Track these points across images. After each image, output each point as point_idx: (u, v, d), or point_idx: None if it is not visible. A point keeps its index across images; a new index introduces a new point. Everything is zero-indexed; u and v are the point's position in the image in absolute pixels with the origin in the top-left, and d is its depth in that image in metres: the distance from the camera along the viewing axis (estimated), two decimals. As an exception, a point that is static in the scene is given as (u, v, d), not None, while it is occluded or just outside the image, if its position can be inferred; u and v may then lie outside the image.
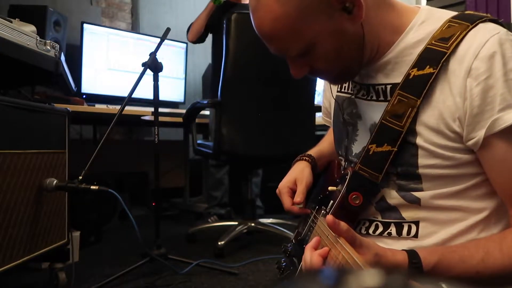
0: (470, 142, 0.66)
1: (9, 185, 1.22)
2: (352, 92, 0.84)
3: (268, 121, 2.05)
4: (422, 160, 0.70)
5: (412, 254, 0.65)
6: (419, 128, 0.70)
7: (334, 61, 0.71)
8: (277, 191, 0.95)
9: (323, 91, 1.06)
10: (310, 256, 0.66)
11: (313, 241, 0.70)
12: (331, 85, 0.91)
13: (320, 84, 2.32)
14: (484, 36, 0.65)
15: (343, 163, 0.89)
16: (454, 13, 0.72)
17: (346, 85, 0.87)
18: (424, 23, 0.72)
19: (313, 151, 1.02)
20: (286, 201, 0.91)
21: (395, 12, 0.73)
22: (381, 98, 0.76)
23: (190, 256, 1.85)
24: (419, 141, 0.70)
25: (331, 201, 0.78)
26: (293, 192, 0.93)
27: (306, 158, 0.99)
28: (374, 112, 0.77)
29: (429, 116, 0.69)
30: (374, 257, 0.62)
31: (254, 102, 2.04)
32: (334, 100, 0.91)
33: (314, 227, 0.81)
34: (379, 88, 0.76)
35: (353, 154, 0.83)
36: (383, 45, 0.73)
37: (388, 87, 0.74)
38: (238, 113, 2.04)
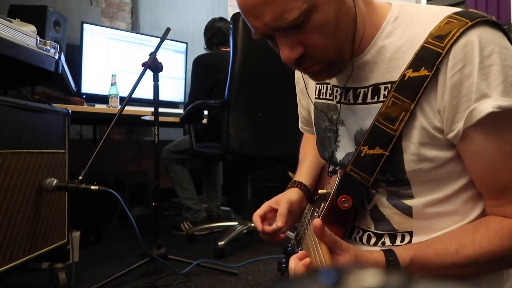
0: (450, 135, 0.66)
1: (9, 185, 1.22)
2: (331, 98, 0.82)
3: (275, 120, 2.06)
4: (409, 165, 0.69)
5: (388, 252, 0.66)
6: (408, 132, 0.68)
7: (332, 34, 0.65)
8: (253, 216, 0.91)
9: (298, 101, 1.02)
10: (295, 265, 0.68)
11: (299, 254, 0.71)
12: (309, 92, 0.89)
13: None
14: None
15: (330, 168, 0.88)
16: (425, 6, 0.71)
17: (324, 91, 0.85)
18: (397, 19, 0.71)
19: (302, 177, 0.97)
20: (258, 226, 0.88)
21: (372, 8, 0.72)
22: (368, 100, 0.73)
23: (190, 256, 1.86)
24: (405, 144, 0.69)
25: (322, 204, 0.78)
26: (274, 211, 0.90)
27: (296, 184, 0.95)
28: (357, 116, 0.75)
29: (420, 121, 0.67)
30: (354, 258, 0.64)
31: (262, 102, 2.04)
32: (313, 107, 0.89)
33: (308, 228, 0.81)
34: (361, 91, 0.74)
35: (338, 161, 0.82)
36: (364, 39, 0.71)
37: (370, 89, 0.73)
38: (245, 113, 2.03)
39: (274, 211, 0.90)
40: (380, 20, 0.72)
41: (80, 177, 1.37)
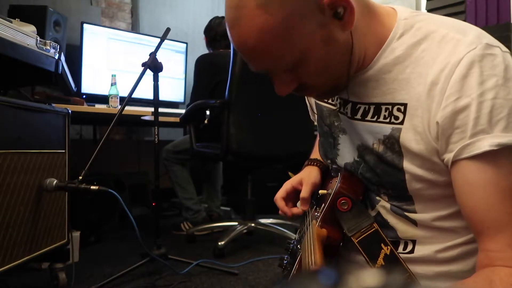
0: (445, 160, 0.64)
1: (9, 185, 1.22)
2: (333, 103, 0.81)
3: (275, 120, 2.05)
4: (410, 184, 0.68)
5: None
6: (405, 153, 0.67)
7: (324, 74, 0.65)
8: (275, 198, 0.92)
9: (306, 99, 1.01)
10: None
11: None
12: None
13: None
14: (460, 52, 0.61)
15: (330, 167, 0.88)
16: (431, 20, 0.67)
17: None
18: (403, 36, 0.67)
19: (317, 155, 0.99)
20: (285, 210, 0.90)
21: (376, 20, 0.68)
22: (368, 118, 0.72)
23: (190, 256, 1.86)
24: (407, 166, 0.67)
25: (323, 204, 0.78)
26: (296, 192, 0.92)
27: (314, 162, 0.96)
28: (356, 132, 0.74)
29: (411, 141, 0.66)
30: None
31: (262, 102, 2.04)
32: (315, 109, 0.90)
33: (308, 228, 0.82)
34: (361, 106, 0.73)
35: (340, 166, 0.82)
36: (368, 55, 0.68)
37: (372, 107, 0.71)
38: (245, 113, 2.03)
39: (296, 190, 0.92)
40: (386, 32, 0.68)
41: (80, 177, 1.37)
